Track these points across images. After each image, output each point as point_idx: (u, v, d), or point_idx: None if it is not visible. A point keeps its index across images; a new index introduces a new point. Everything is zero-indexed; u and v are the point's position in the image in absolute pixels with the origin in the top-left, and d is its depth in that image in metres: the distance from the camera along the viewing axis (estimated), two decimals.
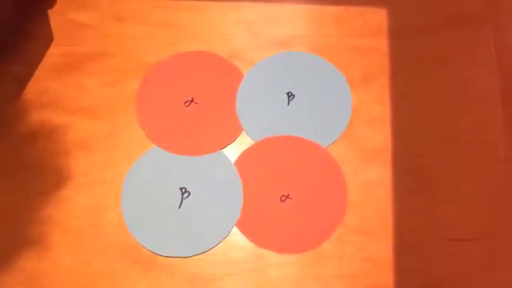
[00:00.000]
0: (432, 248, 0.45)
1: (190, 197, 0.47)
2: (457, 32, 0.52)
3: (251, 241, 0.45)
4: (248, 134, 0.49)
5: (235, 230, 0.46)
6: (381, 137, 0.48)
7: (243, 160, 0.48)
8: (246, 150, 0.48)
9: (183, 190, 0.47)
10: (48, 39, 0.52)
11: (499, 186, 0.46)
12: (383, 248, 0.45)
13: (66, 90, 0.50)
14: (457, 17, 0.53)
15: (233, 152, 0.48)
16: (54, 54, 0.52)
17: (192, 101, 0.50)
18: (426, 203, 0.46)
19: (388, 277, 0.44)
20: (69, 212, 0.46)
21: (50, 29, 0.52)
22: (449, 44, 0.52)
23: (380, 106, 0.49)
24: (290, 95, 0.50)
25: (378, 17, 0.53)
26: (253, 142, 0.48)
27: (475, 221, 0.46)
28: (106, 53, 0.51)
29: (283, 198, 0.46)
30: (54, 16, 0.53)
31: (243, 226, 0.46)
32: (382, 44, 0.52)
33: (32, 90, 0.50)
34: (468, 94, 0.50)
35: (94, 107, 0.50)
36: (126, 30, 0.52)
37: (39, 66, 0.51)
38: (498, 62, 0.51)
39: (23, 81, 0.51)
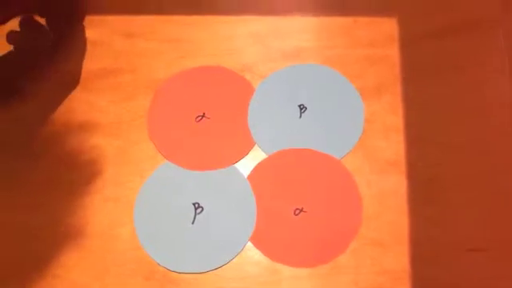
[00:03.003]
0: (449, 258, 0.44)
1: (203, 212, 0.46)
2: (469, 37, 0.52)
3: (266, 255, 0.45)
4: (261, 148, 0.48)
5: (249, 244, 0.45)
6: (395, 147, 0.48)
7: (256, 174, 0.47)
8: (259, 163, 0.48)
9: (196, 206, 0.47)
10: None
11: None
12: (399, 259, 0.44)
13: (77, 108, 0.51)
14: (468, 22, 0.53)
15: (246, 166, 0.48)
16: (64, 71, 0.52)
17: (203, 116, 0.50)
18: (442, 213, 0.46)
19: None
20: (82, 229, 0.46)
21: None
22: (461, 50, 0.51)
23: (393, 116, 0.49)
24: (302, 107, 0.50)
25: (388, 26, 0.52)
26: (265, 156, 0.48)
27: (492, 230, 0.45)
28: (116, 70, 0.52)
29: (297, 211, 0.46)
30: None
31: (257, 240, 0.45)
32: (393, 53, 0.51)
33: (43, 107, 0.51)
34: (481, 100, 0.49)
35: (106, 124, 0.50)
36: (136, 47, 0.53)
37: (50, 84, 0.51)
38: (511, 66, 0.50)
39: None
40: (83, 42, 0.53)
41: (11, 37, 0.50)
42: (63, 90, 0.51)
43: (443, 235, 0.45)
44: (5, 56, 0.50)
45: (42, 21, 0.50)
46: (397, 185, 0.47)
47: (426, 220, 0.45)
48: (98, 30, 0.53)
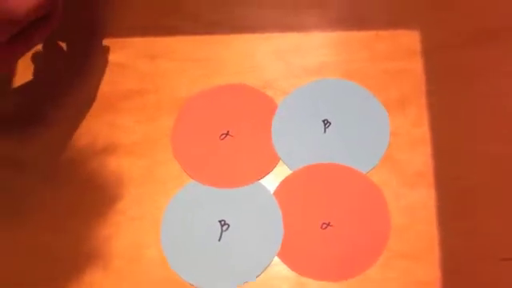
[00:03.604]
0: (480, 269, 0.44)
1: (229, 229, 0.46)
2: (490, 46, 0.52)
3: (293, 270, 0.45)
4: (285, 164, 0.48)
5: (276, 259, 0.45)
6: (421, 159, 0.48)
7: (282, 190, 0.47)
8: (285, 179, 0.48)
9: (222, 223, 0.47)
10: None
11: None
12: (430, 271, 0.44)
13: (101, 130, 0.51)
14: (489, 30, 0.52)
15: (271, 182, 0.48)
16: (86, 94, 0.53)
17: (227, 134, 0.50)
18: (471, 223, 0.45)
19: None
20: (109, 250, 0.46)
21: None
22: (483, 59, 0.51)
23: (418, 128, 0.49)
24: (326, 122, 0.50)
25: (409, 38, 0.52)
26: (290, 172, 0.48)
27: None
28: (140, 90, 0.52)
29: (324, 225, 0.46)
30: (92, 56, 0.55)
31: (285, 255, 0.45)
32: (415, 64, 0.51)
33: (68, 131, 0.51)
34: (507, 109, 0.49)
35: (131, 145, 0.50)
36: (159, 67, 0.53)
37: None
38: None
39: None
40: (104, 64, 0.53)
41: (35, 57, 0.52)
42: (87, 113, 0.52)
43: (474, 246, 0.44)
44: (27, 83, 0.51)
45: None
46: (425, 197, 0.46)
47: (456, 231, 0.45)
48: (122, 52, 0.54)
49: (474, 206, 0.46)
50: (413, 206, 0.46)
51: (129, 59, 0.54)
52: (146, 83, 0.52)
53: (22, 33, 0.43)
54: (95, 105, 0.52)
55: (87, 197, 0.48)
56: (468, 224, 0.45)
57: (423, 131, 0.49)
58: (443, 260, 0.44)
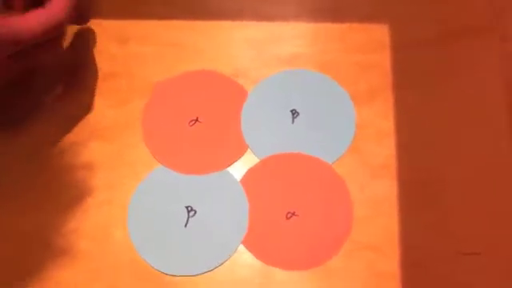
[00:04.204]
0: (441, 262, 0.44)
1: (196, 215, 0.47)
2: (461, 44, 0.52)
3: (258, 258, 0.45)
4: (253, 152, 0.49)
5: (242, 247, 0.46)
6: (386, 151, 0.48)
7: (249, 178, 0.48)
8: (252, 167, 0.48)
9: (189, 209, 0.47)
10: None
11: (507, 198, 0.46)
12: (392, 263, 0.44)
13: (74, 111, 0.51)
14: (460, 29, 0.53)
15: (238, 170, 0.48)
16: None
17: (197, 120, 0.50)
18: (433, 217, 0.46)
19: None
20: (76, 232, 0.46)
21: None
22: (453, 56, 0.52)
23: (385, 121, 0.49)
24: (295, 113, 0.50)
25: (381, 32, 0.53)
26: (258, 160, 0.49)
27: (485, 234, 0.45)
28: (111, 73, 0.52)
29: (289, 215, 0.46)
30: None
31: (250, 243, 0.46)
32: (386, 59, 0.52)
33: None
34: (474, 106, 0.50)
35: (102, 129, 0.50)
36: (131, 51, 0.53)
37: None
38: (503, 73, 0.50)
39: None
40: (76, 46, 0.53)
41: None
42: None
43: (436, 239, 0.45)
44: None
45: None
46: (389, 189, 0.47)
47: (418, 224, 0.46)
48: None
49: (436, 200, 0.46)
50: (376, 198, 0.47)
51: (100, 42, 0.54)
52: (118, 67, 0.52)
53: (23, 51, 0.43)
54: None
55: (57, 180, 0.48)
56: (429, 218, 0.46)
57: (389, 124, 0.49)
58: (404, 253, 0.45)
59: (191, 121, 0.50)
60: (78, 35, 0.54)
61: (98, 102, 0.51)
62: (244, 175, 0.48)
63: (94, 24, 0.54)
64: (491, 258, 0.44)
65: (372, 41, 0.53)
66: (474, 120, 0.49)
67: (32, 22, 0.42)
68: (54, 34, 0.43)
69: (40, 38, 0.42)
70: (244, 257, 0.45)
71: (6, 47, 0.42)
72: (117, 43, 0.53)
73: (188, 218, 0.47)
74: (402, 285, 0.44)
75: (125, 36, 0.54)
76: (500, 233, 0.45)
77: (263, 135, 0.49)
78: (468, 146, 0.48)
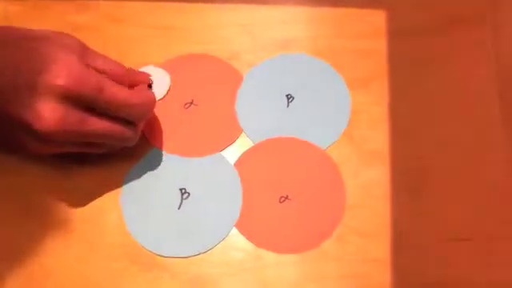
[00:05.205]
0: (431, 248, 0.45)
1: (189, 198, 0.47)
2: (455, 33, 0.52)
3: (251, 241, 0.45)
4: (248, 136, 0.49)
5: (235, 230, 0.46)
6: (380, 138, 0.48)
7: (243, 161, 0.48)
8: (246, 151, 0.48)
9: (183, 191, 0.47)
10: None
11: (497, 186, 0.47)
12: (382, 249, 0.45)
13: None
14: (455, 18, 0.53)
15: (232, 153, 0.48)
16: None
17: (192, 103, 0.50)
18: (424, 204, 0.46)
19: (387, 277, 0.44)
20: (68, 214, 0.46)
21: None
22: (447, 45, 0.52)
23: (379, 107, 0.49)
24: (290, 97, 0.50)
25: (377, 18, 0.53)
26: (252, 144, 0.49)
27: (473, 221, 0.45)
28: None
29: (282, 198, 0.47)
30: (53, 18, 0.54)
31: (243, 226, 0.46)
32: (381, 46, 0.52)
33: None
34: (467, 95, 0.50)
35: None
36: (125, 32, 0.53)
37: None
38: (497, 63, 0.51)
39: None
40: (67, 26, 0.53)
41: None
42: None
43: (427, 225, 0.45)
44: None
45: None
46: (381, 175, 0.47)
47: (409, 210, 0.46)
48: (86, 14, 0.54)
49: (427, 186, 0.47)
50: (369, 184, 0.47)
51: (92, 22, 0.53)
52: (110, 48, 0.52)
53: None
54: None
55: (49, 165, 0.48)
56: (420, 204, 0.46)
57: (383, 110, 0.49)
58: (394, 238, 0.45)
59: (186, 103, 0.50)
60: None
61: None
62: (238, 159, 0.48)
63: (86, 3, 0.53)
64: (481, 244, 0.45)
65: (368, 27, 0.53)
66: (467, 107, 0.50)
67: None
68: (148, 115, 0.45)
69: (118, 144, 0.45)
70: (237, 239, 0.46)
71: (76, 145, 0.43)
72: (109, 23, 0.53)
73: (181, 200, 0.47)
74: (393, 269, 0.44)
75: (118, 17, 0.53)
76: (492, 219, 0.45)
77: (258, 119, 0.50)
78: (461, 133, 0.49)
